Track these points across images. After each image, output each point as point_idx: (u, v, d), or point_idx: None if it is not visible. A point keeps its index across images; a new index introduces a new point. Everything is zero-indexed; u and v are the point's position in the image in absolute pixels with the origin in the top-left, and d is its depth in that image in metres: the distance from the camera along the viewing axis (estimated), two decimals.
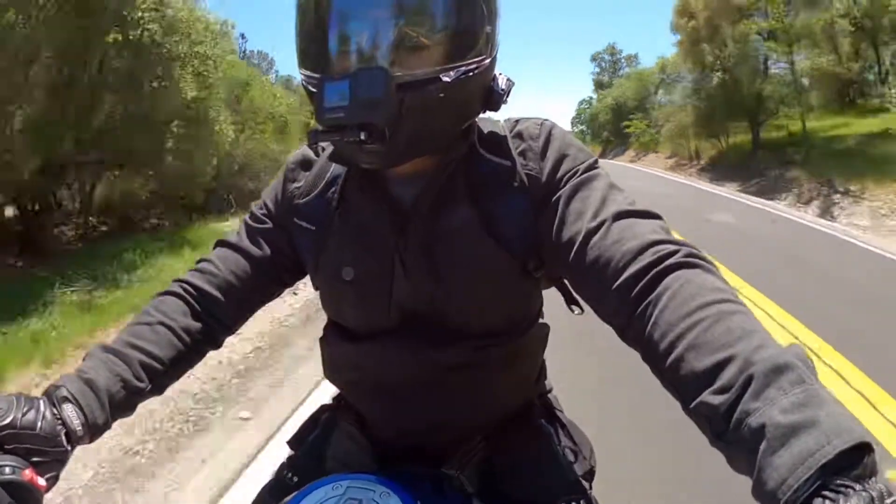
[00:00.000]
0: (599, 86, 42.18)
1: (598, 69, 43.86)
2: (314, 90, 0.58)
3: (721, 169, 15.26)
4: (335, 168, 0.72)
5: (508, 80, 0.66)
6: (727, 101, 14.82)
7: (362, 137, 0.55)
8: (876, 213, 7.89)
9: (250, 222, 0.77)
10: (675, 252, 0.53)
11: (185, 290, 0.72)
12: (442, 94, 0.57)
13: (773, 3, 12.86)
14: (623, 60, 40.55)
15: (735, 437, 0.39)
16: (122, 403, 0.63)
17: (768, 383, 0.38)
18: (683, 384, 0.45)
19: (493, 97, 0.65)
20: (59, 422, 0.56)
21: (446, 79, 0.57)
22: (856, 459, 0.34)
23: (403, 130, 0.57)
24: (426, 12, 0.57)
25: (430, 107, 0.58)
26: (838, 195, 9.02)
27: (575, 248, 0.59)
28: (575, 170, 0.65)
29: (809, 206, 9.40)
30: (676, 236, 0.56)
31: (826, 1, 13.09)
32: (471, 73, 0.59)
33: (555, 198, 0.64)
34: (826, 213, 8.81)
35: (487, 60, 0.62)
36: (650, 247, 0.54)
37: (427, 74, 0.57)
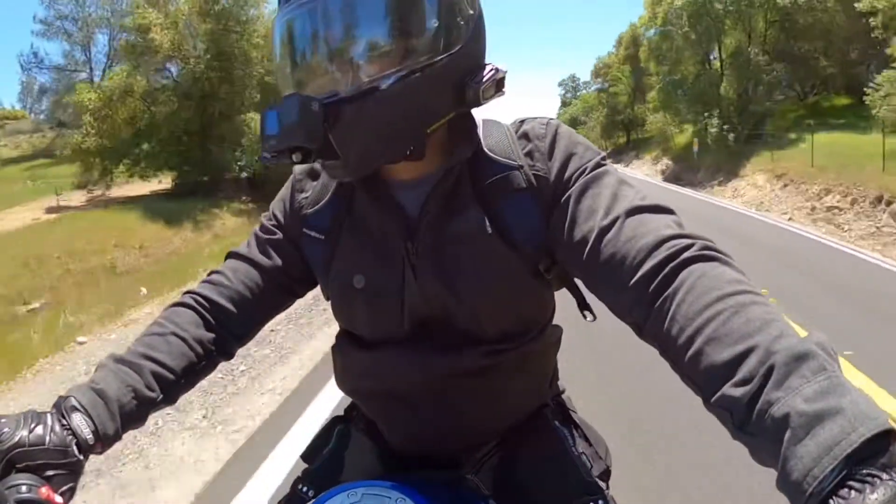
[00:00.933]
0: (564, 104, 55.93)
1: (563, 91, 58.03)
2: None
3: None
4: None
5: (497, 70, 0.65)
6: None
7: (294, 159, 0.58)
8: None
9: (260, 233, 0.77)
10: (691, 246, 0.52)
11: (196, 301, 0.73)
12: (383, 103, 0.58)
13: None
14: (581, 85, 54.48)
15: (758, 429, 0.39)
16: (133, 413, 0.63)
17: (790, 372, 0.38)
18: (704, 378, 0.45)
19: (468, 91, 0.63)
20: (69, 432, 0.56)
21: (385, 86, 0.58)
22: (881, 447, 0.33)
23: (348, 143, 0.58)
24: (346, 27, 0.59)
25: (372, 117, 0.58)
26: None
27: (588, 246, 0.59)
28: (583, 168, 0.64)
29: None
30: (691, 230, 0.56)
31: None
32: (415, 75, 0.59)
33: (565, 197, 0.63)
34: None
35: (443, 57, 0.60)
36: (665, 242, 0.53)
37: (364, 86, 0.58)
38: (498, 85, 0.66)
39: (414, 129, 0.62)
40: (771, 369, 0.39)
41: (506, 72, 0.66)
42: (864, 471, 0.32)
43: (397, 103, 0.59)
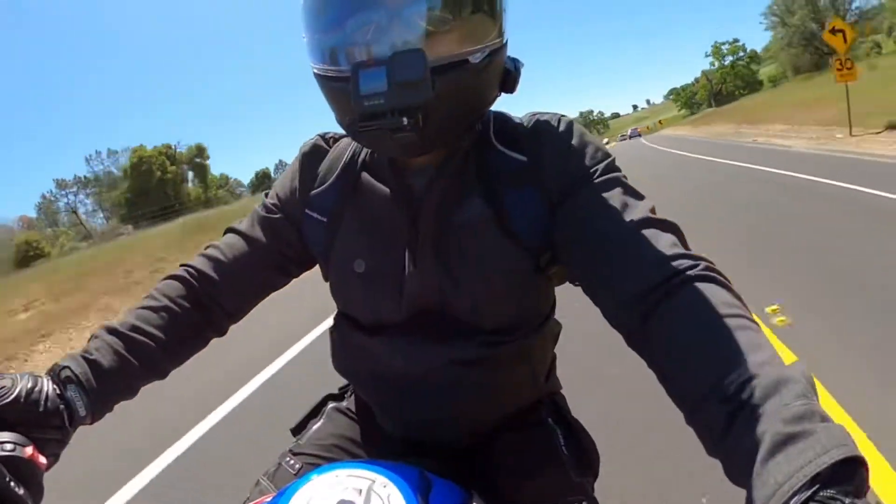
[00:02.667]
0: None
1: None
2: (341, 84, 0.56)
3: None
4: (347, 159, 0.71)
5: (517, 60, 0.65)
6: None
7: (404, 123, 0.53)
8: None
9: (260, 212, 0.77)
10: (693, 266, 0.52)
11: (191, 275, 0.72)
12: (470, 77, 0.57)
13: None
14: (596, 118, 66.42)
15: (735, 445, 0.40)
16: (125, 386, 0.63)
17: (771, 395, 0.39)
18: (687, 395, 0.45)
19: (509, 79, 0.64)
20: (62, 402, 0.56)
21: (474, 60, 0.57)
22: (849, 474, 0.34)
23: (435, 116, 0.56)
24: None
25: (460, 90, 0.57)
26: None
27: (590, 250, 0.58)
28: (594, 169, 0.63)
29: None
30: (693, 251, 0.56)
31: None
32: (493, 55, 0.58)
33: (571, 196, 0.62)
34: None
35: (504, 41, 0.61)
36: (669, 260, 0.53)
37: (457, 57, 0.56)
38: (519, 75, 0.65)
39: (482, 108, 0.63)
40: (753, 391, 0.40)
41: (523, 64, 0.66)
42: (830, 493, 0.33)
43: (480, 80, 0.58)
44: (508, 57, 0.64)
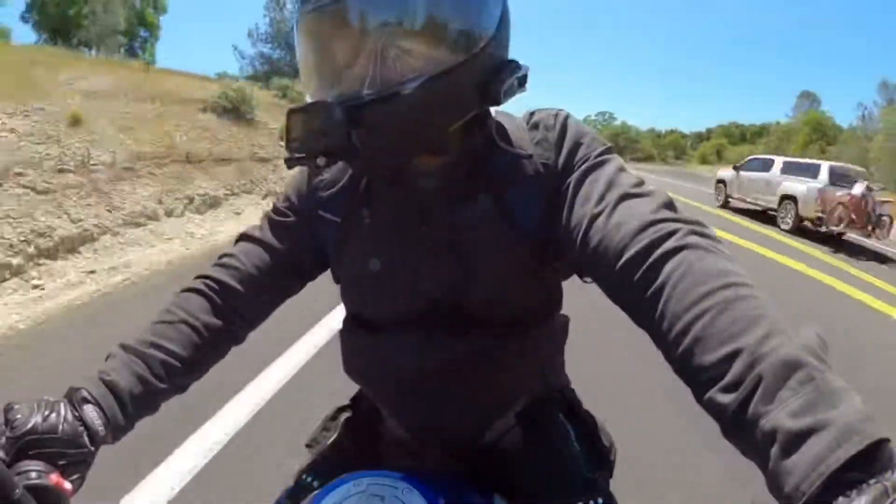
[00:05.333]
0: None
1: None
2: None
3: None
4: None
5: (519, 66, 0.64)
6: None
7: (320, 164, 0.58)
8: None
9: (273, 216, 0.77)
10: (675, 231, 0.52)
11: (207, 286, 0.72)
12: (406, 105, 0.57)
13: None
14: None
15: (746, 439, 0.39)
16: (144, 403, 0.63)
17: (777, 384, 0.38)
18: (693, 378, 0.45)
19: (491, 90, 0.62)
20: (81, 423, 0.56)
21: (407, 90, 0.56)
22: (869, 457, 0.33)
23: (370, 144, 0.58)
24: (375, 29, 0.56)
25: (396, 120, 0.58)
26: None
27: (580, 233, 0.59)
28: (587, 156, 0.65)
29: None
30: (679, 214, 0.55)
31: None
32: (439, 79, 0.58)
33: (565, 185, 0.64)
34: None
35: (463, 59, 0.59)
36: (650, 226, 0.53)
37: (379, 94, 0.57)
38: (520, 82, 0.65)
39: (436, 130, 0.62)
40: (758, 378, 0.39)
41: (528, 68, 0.65)
42: (851, 478, 0.33)
43: (420, 107, 0.58)
44: (504, 62, 0.63)
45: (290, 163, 0.61)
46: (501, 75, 0.62)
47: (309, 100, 0.62)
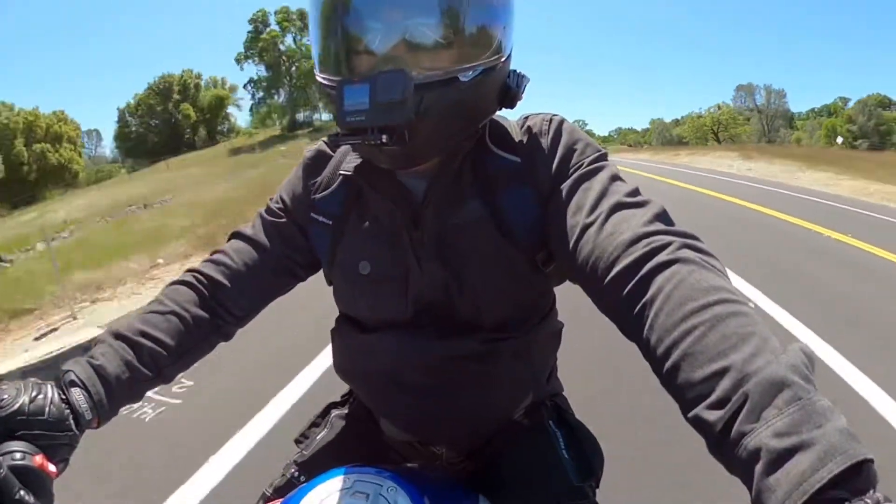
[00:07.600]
0: None
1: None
2: (333, 94, 0.58)
3: None
4: (351, 163, 0.72)
5: (522, 76, 0.66)
6: None
7: (383, 140, 0.55)
8: None
9: (265, 215, 0.77)
10: (668, 245, 0.51)
11: (197, 280, 0.73)
12: (459, 94, 0.58)
13: None
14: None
15: (731, 456, 0.39)
16: (130, 390, 0.63)
17: (763, 403, 0.38)
18: (680, 393, 0.44)
19: (509, 95, 0.65)
20: (67, 406, 0.56)
21: (464, 78, 0.57)
22: (852, 476, 0.33)
23: (422, 131, 0.57)
24: (442, 12, 0.56)
25: (447, 107, 0.58)
26: None
27: (572, 242, 0.59)
28: (580, 162, 0.64)
29: None
30: (674, 227, 0.54)
31: None
32: (487, 72, 0.59)
33: (558, 191, 0.63)
34: None
35: (503, 59, 0.62)
36: (642, 238, 0.52)
37: (445, 74, 0.57)
38: (522, 91, 0.67)
39: (472, 124, 0.64)
40: (745, 397, 0.39)
41: (529, 80, 0.67)
42: (833, 496, 0.33)
43: (471, 97, 0.59)
44: (513, 71, 0.66)
45: (343, 139, 0.58)
46: (518, 81, 0.65)
47: (326, 82, 0.60)
